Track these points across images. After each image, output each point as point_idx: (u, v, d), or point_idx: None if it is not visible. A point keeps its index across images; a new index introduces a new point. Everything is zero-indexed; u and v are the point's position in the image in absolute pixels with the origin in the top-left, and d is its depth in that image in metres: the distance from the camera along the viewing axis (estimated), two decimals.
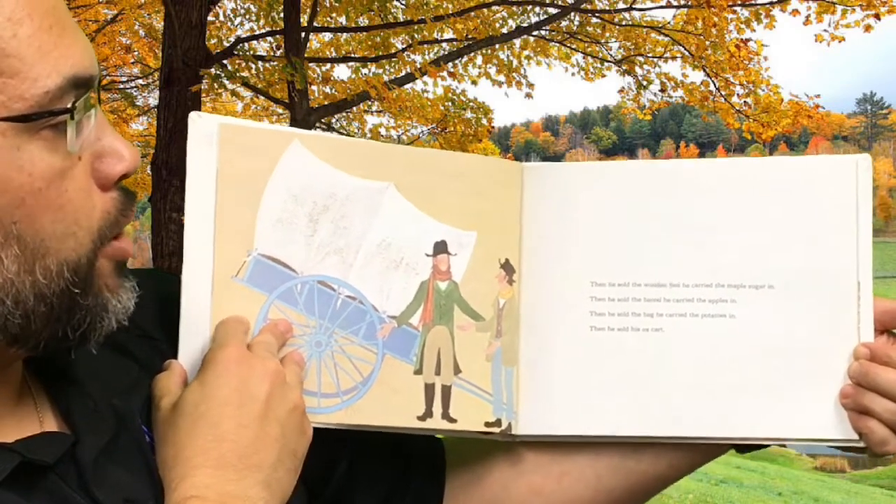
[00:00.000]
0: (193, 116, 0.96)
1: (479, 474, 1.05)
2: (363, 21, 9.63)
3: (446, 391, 0.98)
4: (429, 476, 1.06)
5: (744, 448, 1.02)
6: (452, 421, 0.98)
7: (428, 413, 0.97)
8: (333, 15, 9.78)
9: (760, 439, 0.99)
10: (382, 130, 11.32)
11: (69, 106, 0.73)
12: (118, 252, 0.80)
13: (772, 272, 0.99)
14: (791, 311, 0.98)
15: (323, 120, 9.78)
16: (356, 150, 0.99)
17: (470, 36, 9.49)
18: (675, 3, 9.68)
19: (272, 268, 0.96)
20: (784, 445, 1.06)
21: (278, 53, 9.46)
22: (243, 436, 0.82)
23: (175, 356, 0.92)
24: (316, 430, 0.92)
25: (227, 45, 9.33)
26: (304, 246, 0.97)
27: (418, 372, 0.98)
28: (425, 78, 9.07)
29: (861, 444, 0.97)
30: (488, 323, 1.00)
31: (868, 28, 9.24)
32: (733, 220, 1.00)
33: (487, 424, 0.99)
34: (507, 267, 1.01)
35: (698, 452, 1.04)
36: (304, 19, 8.44)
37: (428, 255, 0.99)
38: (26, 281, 0.73)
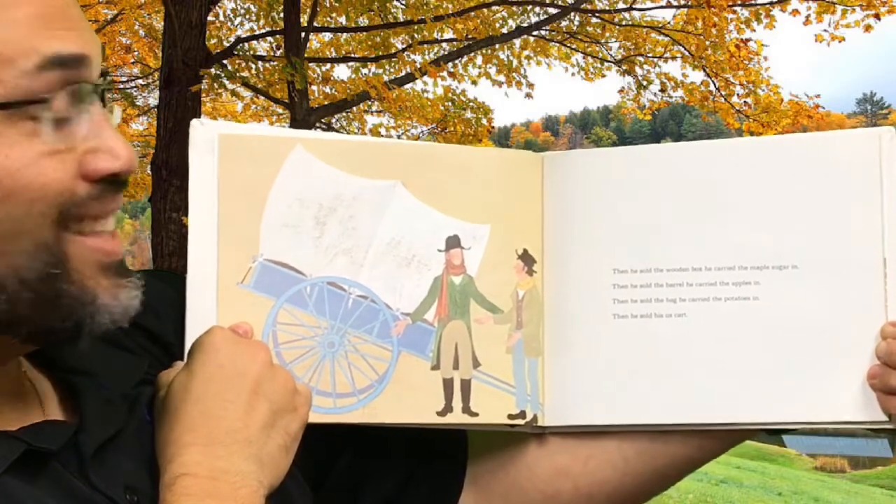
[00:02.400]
0: (195, 124, 0.95)
1: (505, 457, 1.05)
2: (363, 21, 9.63)
3: (465, 385, 0.98)
4: (449, 461, 1.05)
5: (774, 430, 1.01)
6: (474, 415, 0.98)
7: (448, 408, 0.97)
8: (333, 15, 9.78)
9: (789, 423, 0.98)
10: (382, 130, 11.32)
11: (46, 95, 0.72)
12: (96, 252, 0.77)
13: (795, 252, 0.97)
14: (816, 291, 0.96)
15: (323, 120, 9.77)
16: (361, 151, 0.99)
17: (470, 36, 9.50)
18: (675, 3, 9.69)
19: (279, 272, 0.96)
20: (784, 436, 1.04)
21: (278, 53, 9.45)
22: (231, 411, 0.82)
23: None
24: (317, 423, 0.91)
25: (227, 45, 9.33)
26: (311, 248, 0.97)
27: (435, 367, 0.98)
28: (425, 78, 9.07)
29: (891, 426, 0.95)
30: (507, 315, 1.00)
31: (868, 28, 9.24)
32: (754, 201, 0.98)
33: (511, 416, 0.99)
34: (526, 258, 1.01)
35: (727, 434, 1.03)
36: (304, 19, 8.43)
37: (440, 251, 0.99)
38: (1, 262, 0.72)
